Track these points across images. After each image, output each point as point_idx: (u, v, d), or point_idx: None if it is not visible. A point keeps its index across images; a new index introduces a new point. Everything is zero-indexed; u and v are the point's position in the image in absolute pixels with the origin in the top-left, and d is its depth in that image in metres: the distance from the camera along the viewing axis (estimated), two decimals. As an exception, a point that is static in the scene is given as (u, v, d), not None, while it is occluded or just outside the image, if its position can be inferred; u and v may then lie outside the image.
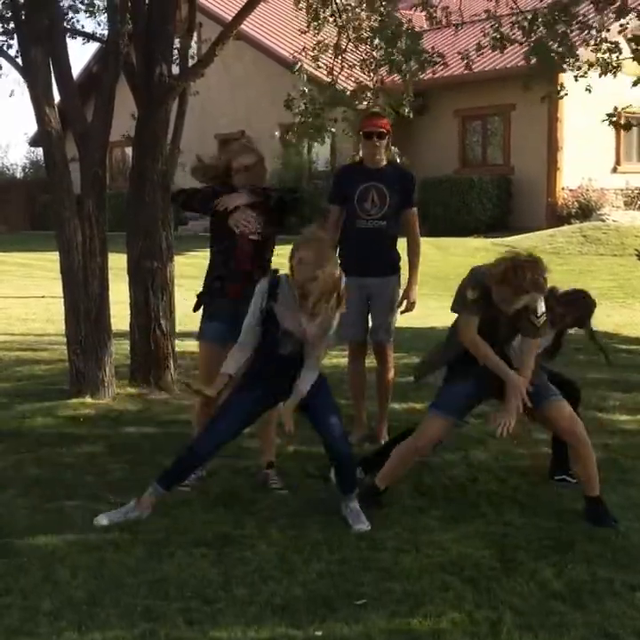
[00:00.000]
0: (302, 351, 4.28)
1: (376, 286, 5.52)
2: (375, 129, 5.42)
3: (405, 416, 5.99)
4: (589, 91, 9.05)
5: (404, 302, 5.65)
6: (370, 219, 5.43)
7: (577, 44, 8.30)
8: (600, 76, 8.78)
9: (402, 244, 5.66)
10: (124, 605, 3.40)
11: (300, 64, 9.14)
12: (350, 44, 9.41)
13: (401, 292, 5.69)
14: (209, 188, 4.89)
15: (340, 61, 9.55)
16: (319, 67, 9.73)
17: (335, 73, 9.53)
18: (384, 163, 5.54)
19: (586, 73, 8.72)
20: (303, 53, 9.49)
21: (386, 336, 5.63)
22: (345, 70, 9.69)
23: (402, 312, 5.69)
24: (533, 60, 7.84)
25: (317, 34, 9.70)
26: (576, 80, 8.72)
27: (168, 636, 3.18)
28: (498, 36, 8.61)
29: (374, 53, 9.04)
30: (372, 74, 9.25)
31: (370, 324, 5.69)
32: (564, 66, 8.19)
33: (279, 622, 3.27)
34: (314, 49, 9.61)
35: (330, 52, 9.55)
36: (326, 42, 9.64)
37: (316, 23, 9.54)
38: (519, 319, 4.29)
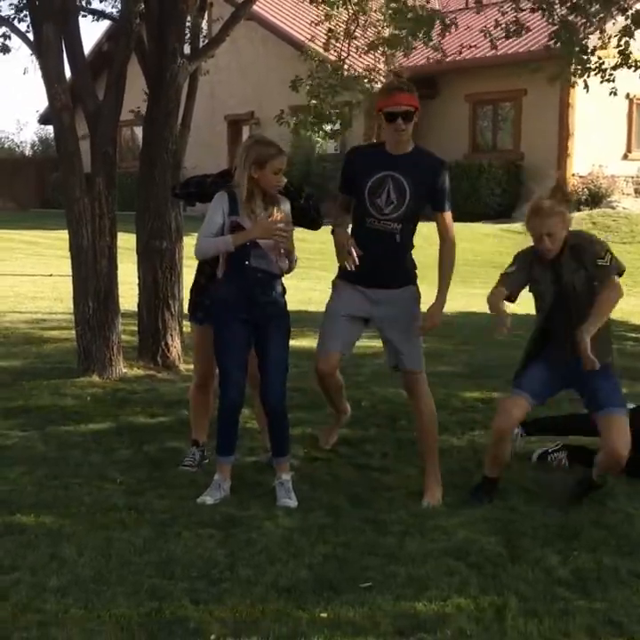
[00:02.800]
0: (269, 270, 4.28)
1: (390, 300, 4.36)
2: (398, 108, 4.15)
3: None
4: (587, 89, 9.07)
5: (424, 321, 4.37)
6: (383, 219, 4.25)
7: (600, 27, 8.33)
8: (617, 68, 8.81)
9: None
10: (130, 584, 3.41)
11: (311, 51, 9.13)
12: (358, 29, 9.37)
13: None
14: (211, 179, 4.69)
15: (348, 45, 9.52)
16: (328, 49, 9.71)
17: (344, 55, 9.50)
18: (411, 147, 4.31)
19: (603, 70, 8.74)
20: (314, 40, 9.47)
21: (418, 363, 4.42)
22: (354, 54, 9.67)
23: (419, 328, 4.39)
24: (554, 43, 7.81)
25: (331, 19, 9.67)
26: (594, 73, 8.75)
27: (174, 614, 3.19)
28: (513, 25, 8.59)
29: (386, 32, 8.99)
30: (383, 55, 9.21)
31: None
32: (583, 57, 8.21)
33: (284, 604, 3.28)
34: (326, 35, 9.59)
35: (341, 38, 9.52)
36: (338, 28, 9.62)
37: (328, 9, 9.51)
38: (584, 276, 4.19)
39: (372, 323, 4.46)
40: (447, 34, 8.87)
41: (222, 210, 4.27)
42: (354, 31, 9.57)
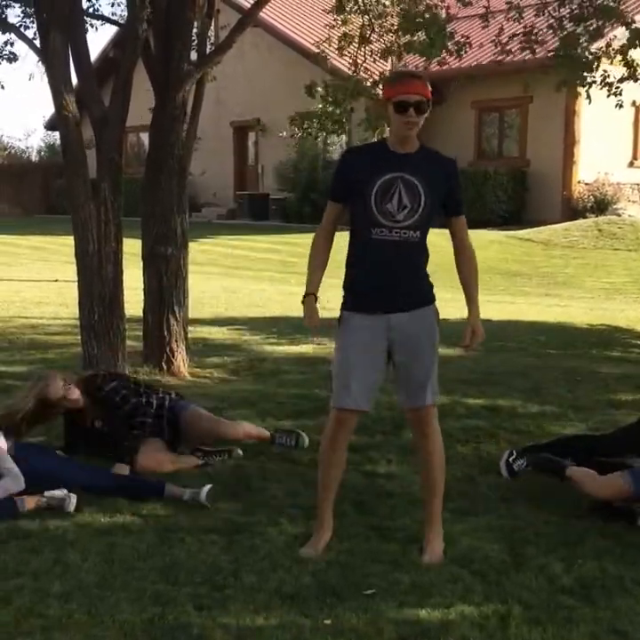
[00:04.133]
0: None
1: (408, 324, 3.76)
2: (411, 97, 3.60)
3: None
4: (590, 100, 9.12)
5: (468, 336, 3.85)
6: (396, 227, 3.66)
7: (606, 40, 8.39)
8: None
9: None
10: (133, 589, 3.41)
11: (323, 53, 9.14)
12: (373, 34, 9.38)
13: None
14: None
15: (363, 51, 9.52)
16: (343, 55, 9.72)
17: (359, 61, 9.50)
18: (417, 146, 3.77)
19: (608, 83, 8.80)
20: (326, 44, 9.49)
21: (431, 396, 3.84)
22: (368, 61, 9.67)
23: (463, 346, 3.90)
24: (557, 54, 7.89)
25: (343, 24, 9.69)
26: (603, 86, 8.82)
27: (177, 620, 3.19)
28: (524, 39, 8.65)
29: (399, 40, 9.00)
30: (396, 60, 9.21)
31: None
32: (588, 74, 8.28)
33: (288, 610, 3.28)
34: (340, 40, 9.60)
35: (355, 42, 9.52)
36: (351, 32, 9.63)
37: (341, 15, 9.53)
38: None
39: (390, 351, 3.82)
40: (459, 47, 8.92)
41: None
42: (370, 35, 9.57)
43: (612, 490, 4.20)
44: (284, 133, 13.82)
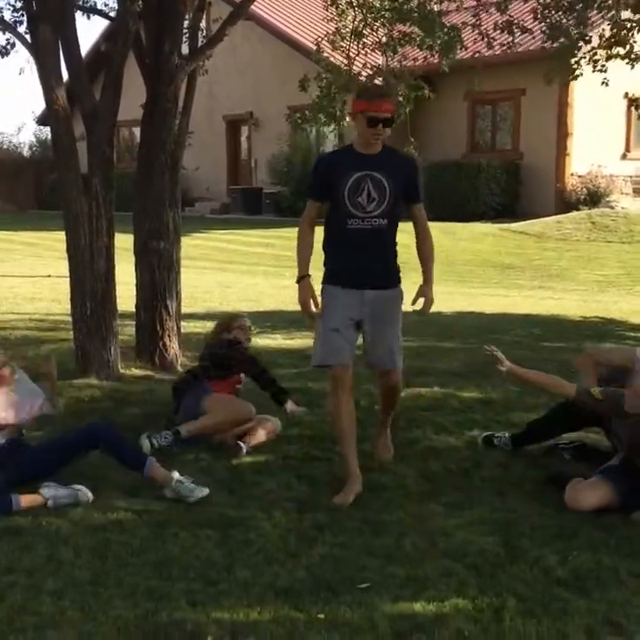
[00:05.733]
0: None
1: (379, 301, 4.48)
2: (381, 114, 4.29)
3: (408, 402, 5.97)
4: (603, 72, 9.09)
5: (420, 300, 4.56)
6: (366, 217, 4.37)
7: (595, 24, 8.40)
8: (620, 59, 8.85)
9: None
10: (127, 585, 3.40)
11: (321, 51, 9.16)
12: (367, 27, 9.36)
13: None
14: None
15: (357, 45, 9.51)
16: (336, 48, 9.71)
17: (352, 55, 9.49)
18: (380, 147, 4.44)
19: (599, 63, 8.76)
20: (323, 39, 9.48)
21: (399, 361, 4.63)
22: (361, 55, 9.66)
23: (417, 310, 4.63)
24: (550, 43, 7.87)
25: (339, 19, 9.67)
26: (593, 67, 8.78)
27: (171, 616, 3.18)
28: (508, 24, 8.64)
29: (393, 33, 9.00)
30: (391, 54, 9.21)
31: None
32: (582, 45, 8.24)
33: (282, 605, 3.27)
34: (334, 34, 9.59)
35: (348, 37, 9.52)
36: (344, 27, 9.61)
37: (335, 8, 9.51)
38: None
39: (361, 323, 4.53)
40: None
41: None
42: (362, 29, 9.55)
43: (600, 500, 4.20)
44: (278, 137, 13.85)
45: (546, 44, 8.46)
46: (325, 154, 4.94)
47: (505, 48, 9.28)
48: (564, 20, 8.32)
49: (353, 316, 4.45)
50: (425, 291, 4.55)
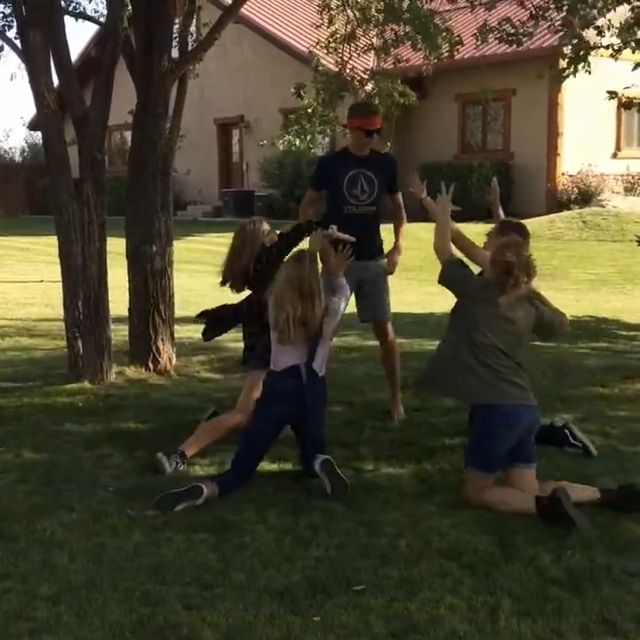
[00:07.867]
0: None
1: (369, 269, 5.66)
2: (374, 127, 5.55)
3: (402, 402, 5.98)
4: (589, 72, 9.10)
5: (390, 263, 5.79)
6: (360, 204, 5.58)
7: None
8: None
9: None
10: (122, 590, 3.40)
11: (316, 58, 9.26)
12: (358, 29, 9.38)
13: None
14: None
15: (350, 48, 9.54)
16: (330, 52, 9.72)
17: (345, 58, 9.52)
18: (369, 150, 5.68)
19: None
20: (316, 45, 9.52)
21: (388, 314, 5.82)
22: (353, 58, 9.67)
23: (386, 269, 5.80)
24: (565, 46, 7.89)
25: (328, 25, 9.68)
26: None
27: (166, 620, 3.18)
28: (511, 30, 8.65)
29: (385, 34, 9.05)
30: (383, 55, 9.27)
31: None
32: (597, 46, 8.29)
33: (277, 608, 3.27)
34: (329, 39, 9.62)
35: (339, 41, 9.54)
36: (337, 31, 9.62)
37: (327, 11, 9.51)
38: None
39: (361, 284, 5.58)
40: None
41: None
42: (354, 30, 9.55)
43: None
44: (264, 142, 13.81)
45: (564, 45, 8.50)
46: (327, 155, 5.92)
47: (508, 47, 9.23)
48: (571, 18, 8.35)
49: (349, 281, 5.19)
50: (394, 255, 5.80)
